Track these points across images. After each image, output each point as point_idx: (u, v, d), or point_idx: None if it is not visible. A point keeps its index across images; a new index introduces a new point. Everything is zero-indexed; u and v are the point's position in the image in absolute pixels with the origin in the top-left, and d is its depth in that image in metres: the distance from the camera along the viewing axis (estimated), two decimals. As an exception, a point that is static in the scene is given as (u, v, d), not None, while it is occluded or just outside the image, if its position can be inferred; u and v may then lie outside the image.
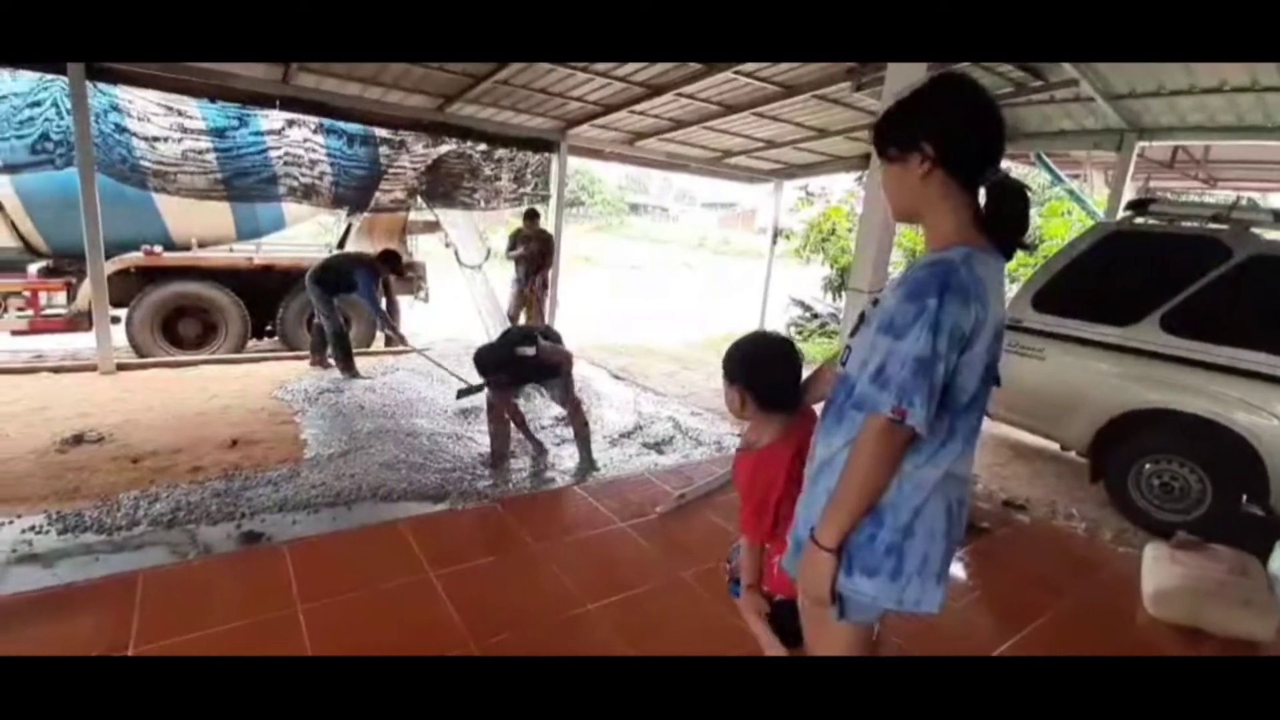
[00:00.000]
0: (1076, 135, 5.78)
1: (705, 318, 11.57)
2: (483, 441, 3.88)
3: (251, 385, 5.06)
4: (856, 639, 1.24)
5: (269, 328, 6.64)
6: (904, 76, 3.03)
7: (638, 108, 5.76)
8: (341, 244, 7.48)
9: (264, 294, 6.39)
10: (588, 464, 3.78)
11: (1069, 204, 7.67)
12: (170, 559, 2.55)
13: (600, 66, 4.87)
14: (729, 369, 1.50)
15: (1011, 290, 4.16)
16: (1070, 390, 3.76)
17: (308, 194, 6.62)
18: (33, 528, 2.68)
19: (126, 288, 5.75)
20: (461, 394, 4.78)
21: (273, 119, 6.04)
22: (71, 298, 5.77)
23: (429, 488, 3.35)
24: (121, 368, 5.25)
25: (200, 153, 5.84)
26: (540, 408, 4.64)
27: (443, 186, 7.47)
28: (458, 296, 8.40)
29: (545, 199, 7.61)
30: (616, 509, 3.22)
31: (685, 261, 24.46)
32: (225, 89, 5.22)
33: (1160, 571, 2.70)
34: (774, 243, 9.17)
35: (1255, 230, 3.45)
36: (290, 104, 5.57)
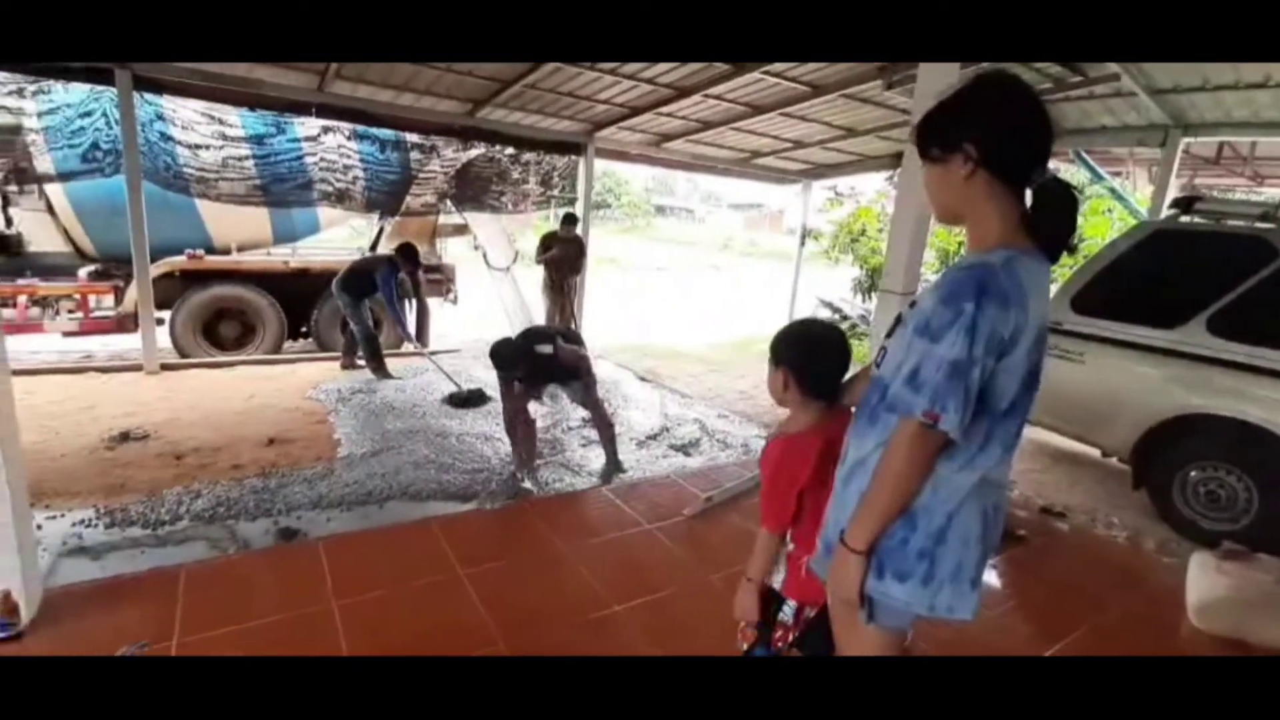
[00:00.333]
0: (1118, 132, 5.61)
1: (731, 320, 11.51)
2: (507, 442, 3.91)
3: (287, 385, 5.19)
4: (887, 644, 1.22)
5: (304, 329, 6.80)
6: (936, 75, 2.98)
7: (665, 109, 5.76)
8: (374, 247, 7.63)
9: (299, 296, 6.55)
10: (614, 466, 3.79)
11: (1110, 202, 7.45)
12: (211, 554, 2.63)
13: (628, 69, 4.88)
14: (777, 351, 1.47)
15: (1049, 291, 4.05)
16: (1111, 394, 3.65)
17: (341, 198, 6.78)
18: (82, 522, 2.79)
19: (170, 290, 5.95)
20: (453, 400, 4.92)
21: (309, 126, 6.20)
22: (119, 300, 5.99)
23: (458, 487, 3.40)
24: (165, 368, 5.43)
25: (240, 159, 6.03)
26: (568, 408, 4.66)
27: (471, 190, 7.58)
28: (486, 298, 8.51)
29: (572, 202, 7.65)
30: (643, 511, 3.23)
31: (712, 263, 24.36)
32: (264, 97, 5.37)
33: (1205, 582, 2.60)
34: (802, 244, 9.08)
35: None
36: (326, 111, 5.70)
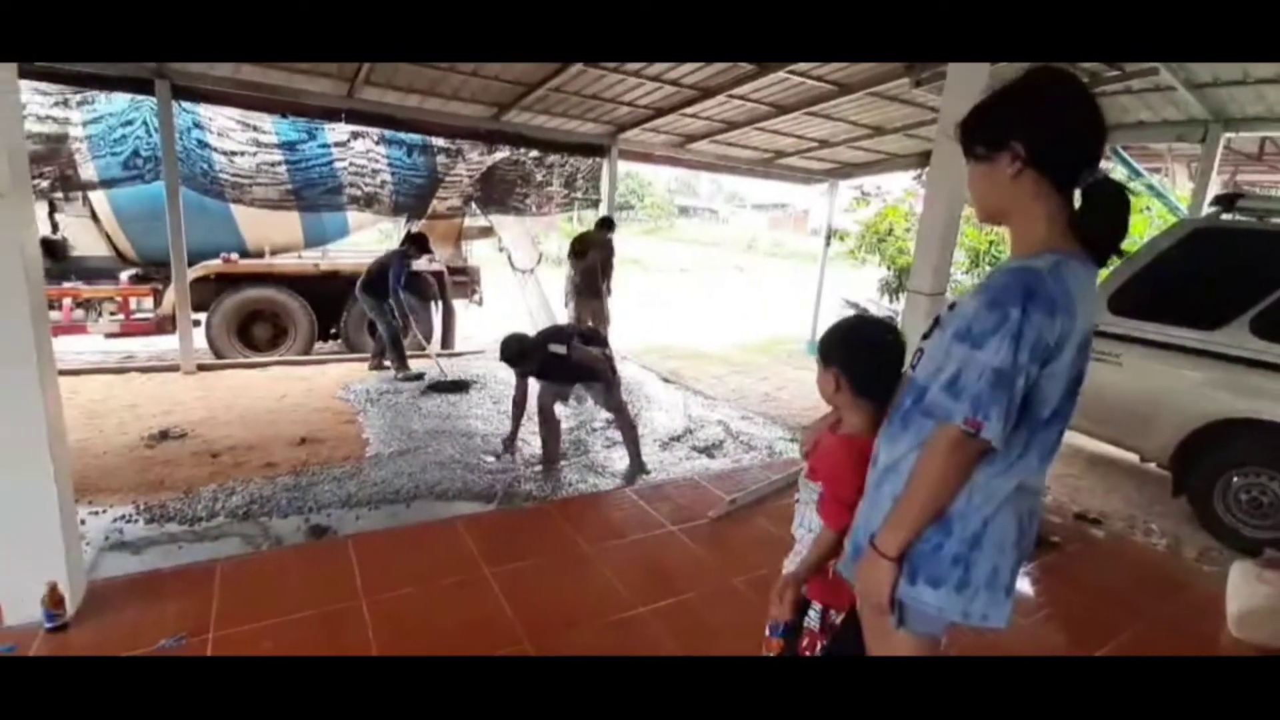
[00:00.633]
0: (1157, 127, 5.45)
1: (755, 321, 11.45)
2: (535, 443, 3.95)
3: (317, 386, 5.30)
4: (921, 651, 1.20)
5: (333, 330, 6.94)
6: (966, 73, 2.94)
7: (689, 110, 5.76)
8: (399, 251, 7.74)
9: (329, 298, 6.69)
10: (637, 467, 3.79)
11: (1149, 200, 7.24)
12: (245, 549, 2.70)
13: (652, 71, 4.89)
14: (826, 350, 1.41)
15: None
16: (1150, 398, 3.55)
17: (370, 202, 6.92)
18: (123, 517, 2.89)
19: (206, 293, 6.12)
20: (435, 387, 5.23)
21: (339, 132, 6.33)
22: (158, 303, 6.19)
23: (483, 487, 3.43)
24: (201, 368, 5.59)
25: (273, 165, 6.19)
26: (592, 409, 4.68)
27: (496, 193, 7.67)
28: (511, 300, 8.58)
29: (595, 203, 7.68)
30: (667, 513, 3.22)
31: (735, 264, 24.24)
32: (296, 104, 5.49)
33: (1246, 591, 2.51)
34: (827, 244, 8.98)
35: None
36: (355, 117, 5.81)
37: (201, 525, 2.87)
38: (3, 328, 1.88)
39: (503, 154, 7.33)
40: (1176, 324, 3.49)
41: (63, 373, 2.15)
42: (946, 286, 3.02)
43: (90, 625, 2.11)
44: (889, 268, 9.13)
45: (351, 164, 6.60)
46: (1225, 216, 3.59)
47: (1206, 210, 4.03)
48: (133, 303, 6.16)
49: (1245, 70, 4.26)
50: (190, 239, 5.38)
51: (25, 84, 4.58)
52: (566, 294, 7.49)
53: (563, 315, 7.76)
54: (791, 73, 4.76)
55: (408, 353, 5.88)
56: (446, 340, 7.34)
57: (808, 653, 1.47)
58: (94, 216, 6.28)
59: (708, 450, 4.26)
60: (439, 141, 6.83)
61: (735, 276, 21.02)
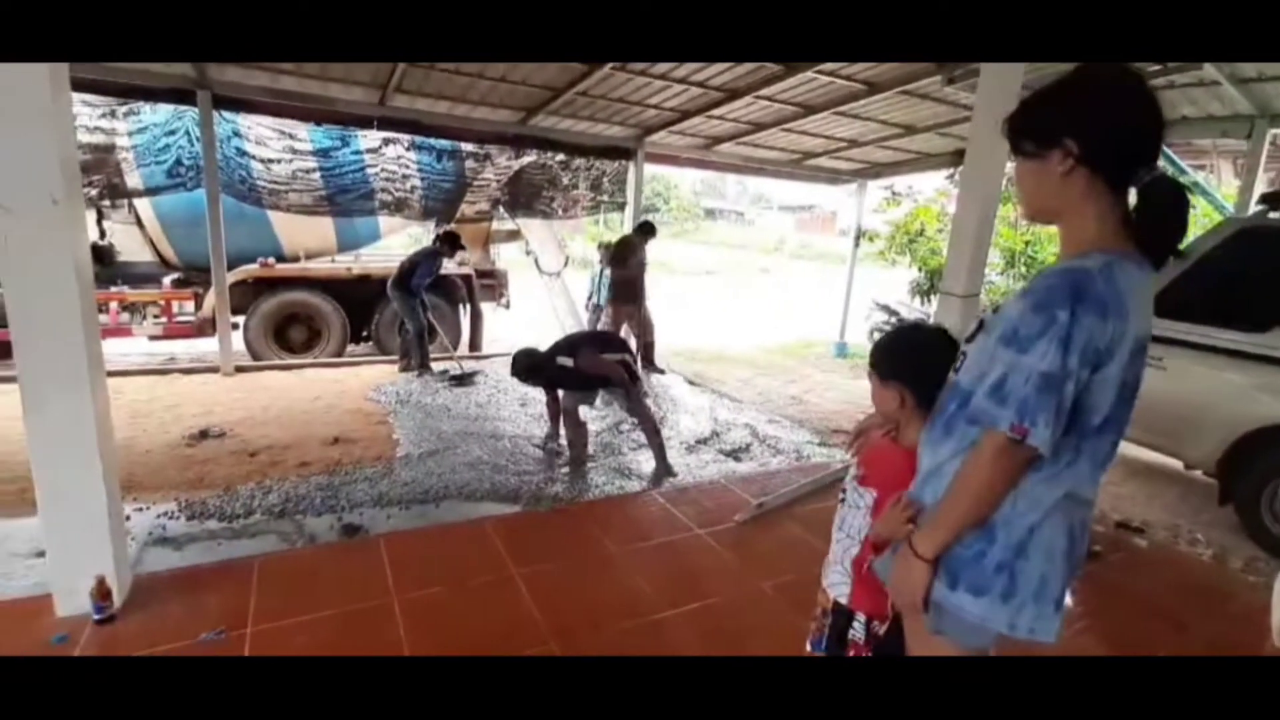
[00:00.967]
0: (1201, 122, 5.27)
1: (782, 323, 11.36)
2: (562, 445, 3.97)
3: (350, 387, 5.41)
4: None
5: (365, 333, 7.09)
6: (1000, 71, 2.88)
7: (715, 112, 5.74)
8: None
9: (361, 302, 6.83)
10: (663, 469, 3.79)
11: (1193, 198, 7.00)
12: (281, 546, 2.76)
13: (678, 73, 4.89)
14: (886, 366, 1.36)
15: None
16: (1195, 403, 3.42)
17: (400, 207, 7.06)
18: (165, 514, 2.98)
19: (244, 297, 6.30)
20: (453, 380, 5.54)
21: (370, 138, 6.48)
22: (199, 306, 6.39)
23: (511, 489, 3.46)
24: (240, 370, 5.75)
25: (308, 172, 6.36)
26: (619, 412, 4.69)
27: (523, 196, 7.76)
28: (538, 303, 8.66)
29: (621, 206, 7.71)
30: (694, 516, 3.21)
31: (762, 266, 24.10)
32: (330, 112, 5.62)
33: (1293, 604, 2.41)
34: (856, 245, 8.87)
35: None
36: (386, 124, 5.92)
37: (240, 522, 2.95)
38: (55, 330, 1.96)
39: (530, 158, 7.42)
40: (1222, 326, 3.37)
41: (109, 374, 2.23)
42: (981, 288, 2.95)
43: (136, 617, 2.18)
44: (920, 269, 8.98)
45: (383, 170, 6.74)
46: (1272, 215, 3.46)
47: (1253, 208, 3.88)
48: (175, 306, 6.37)
49: (1293, 64, 4.10)
50: (229, 244, 5.55)
51: (74, 96, 4.78)
52: (593, 296, 7.52)
53: (585, 318, 7.81)
54: (819, 72, 4.71)
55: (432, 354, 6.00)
56: (474, 343, 7.44)
57: None
58: (139, 223, 6.52)
59: (734, 453, 4.24)
60: (467, 146, 6.93)
61: (762, 278, 20.89)
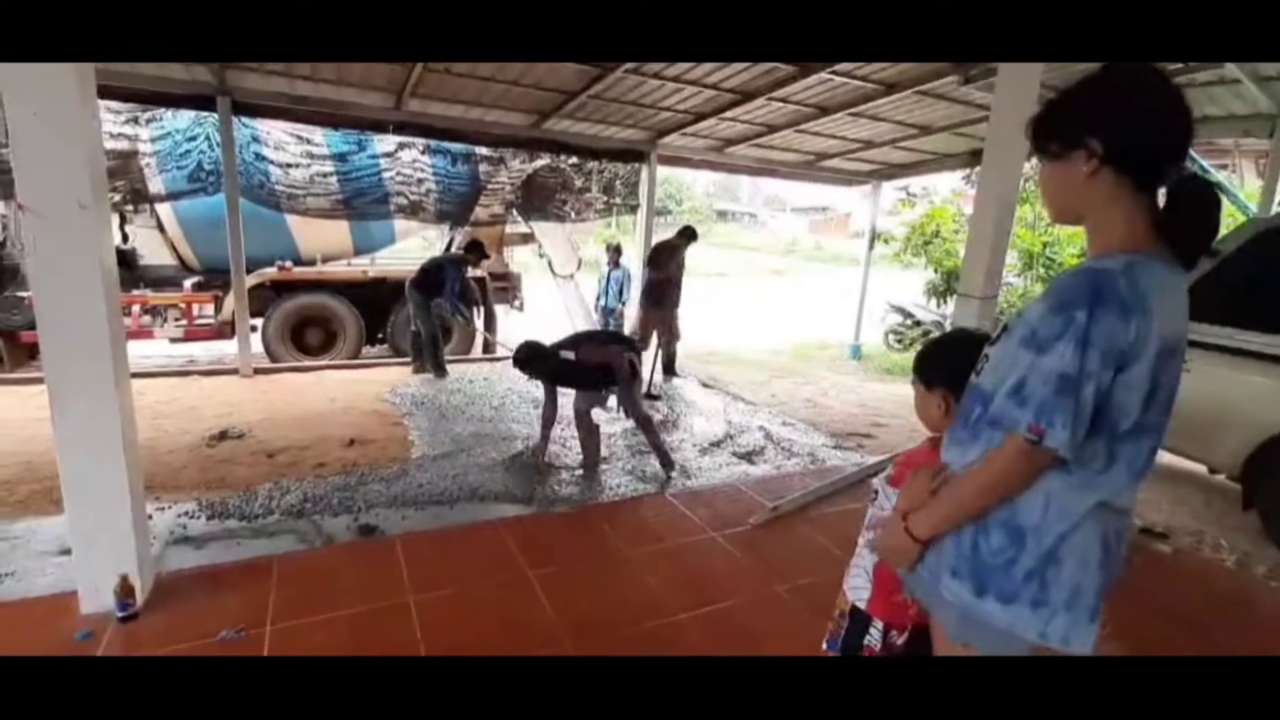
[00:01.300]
0: (1222, 121, 5.19)
1: (796, 326, 11.31)
2: (575, 447, 3.98)
3: (366, 389, 5.46)
4: None
5: (380, 335, 7.16)
6: (1018, 70, 2.86)
7: (728, 114, 5.74)
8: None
9: (376, 305, 6.90)
10: (665, 462, 3.80)
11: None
12: (299, 546, 2.79)
13: (691, 75, 4.90)
14: (930, 374, 1.34)
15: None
16: (1219, 406, 3.36)
17: (415, 210, 7.13)
18: (186, 513, 3.02)
19: (263, 300, 6.40)
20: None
21: (386, 143, 6.55)
22: (218, 309, 6.49)
23: (524, 491, 3.47)
24: (258, 372, 5.83)
25: (325, 176, 6.44)
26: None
27: (537, 200, 7.80)
28: (551, 304, 8.69)
29: (634, 208, 7.72)
30: (708, 518, 3.21)
31: (775, 268, 24.02)
32: (347, 117, 5.69)
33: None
34: (871, 247, 8.82)
35: None
36: (402, 128, 5.99)
37: (259, 522, 2.99)
38: (82, 332, 2.00)
39: (543, 161, 7.46)
40: (1246, 328, 3.30)
41: (132, 375, 2.27)
42: (999, 290, 2.92)
43: (158, 615, 2.22)
44: (936, 270, 8.92)
45: (399, 174, 6.81)
46: (1300, 214, 3.40)
47: (1276, 209, 3.81)
48: (195, 309, 6.49)
49: (1318, 61, 4.03)
50: (248, 248, 5.63)
51: (99, 103, 4.89)
52: (601, 298, 7.53)
53: (597, 320, 7.83)
54: (834, 73, 4.69)
55: (458, 357, 6.04)
56: (488, 345, 7.48)
57: None
58: (160, 227, 6.63)
59: (748, 456, 4.22)
60: (482, 150, 6.98)
61: (775, 281, 20.82)
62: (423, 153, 6.82)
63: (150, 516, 2.81)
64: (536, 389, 5.50)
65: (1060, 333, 0.96)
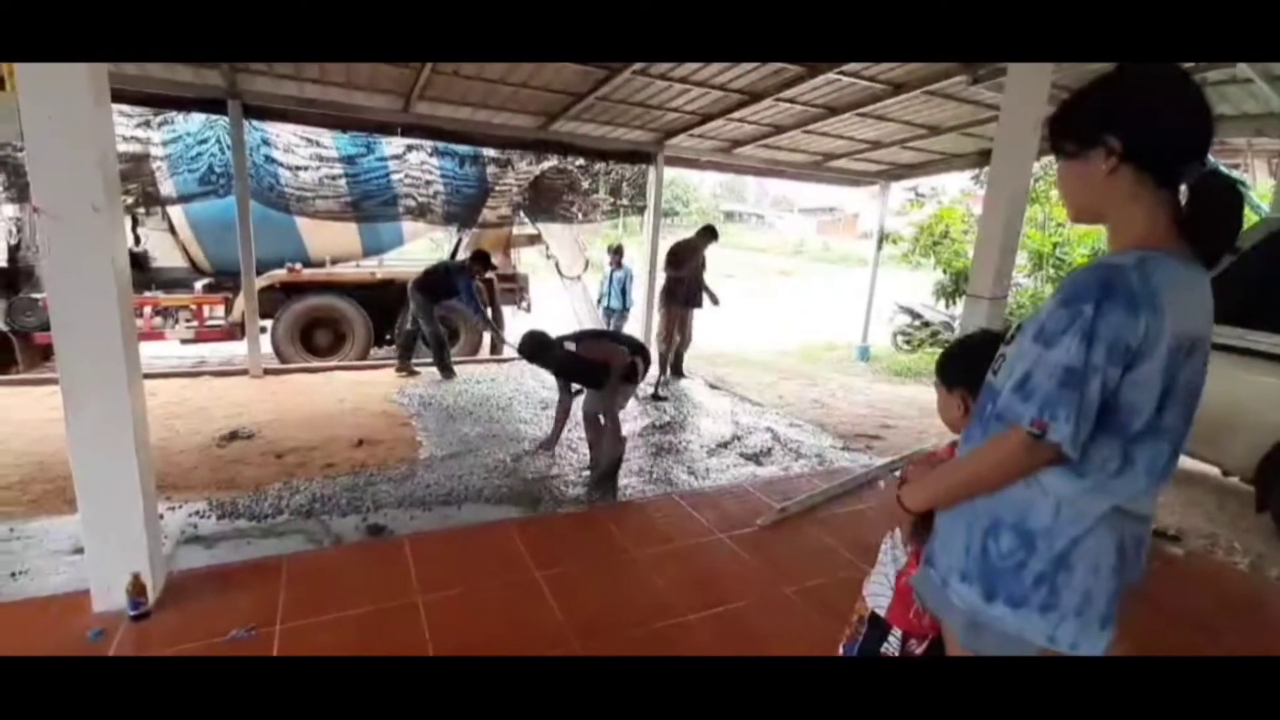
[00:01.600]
0: (1234, 120, 5.13)
1: (803, 327, 11.28)
2: (583, 449, 3.98)
3: (374, 390, 5.49)
4: None
5: (388, 336, 7.19)
6: (1028, 70, 2.84)
7: (735, 115, 5.73)
8: (452, 258, 7.97)
9: (384, 306, 6.93)
10: (604, 489, 3.50)
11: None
12: (308, 546, 2.80)
13: (698, 76, 4.89)
14: (950, 375, 1.33)
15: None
16: (1231, 407, 3.33)
17: (423, 213, 7.16)
18: (197, 513, 3.05)
19: (272, 301, 6.44)
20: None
21: (395, 145, 6.58)
22: (229, 310, 6.54)
23: (532, 491, 3.48)
24: (268, 372, 5.86)
25: (334, 178, 6.48)
26: (635, 412, 4.70)
27: (544, 201, 7.81)
28: (559, 306, 8.70)
29: (641, 210, 7.72)
30: (715, 520, 3.20)
31: (782, 269, 23.97)
32: (356, 119, 5.72)
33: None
34: (879, 247, 8.78)
35: None
36: (410, 130, 6.02)
37: (268, 522, 3.00)
38: (95, 334, 2.02)
39: (550, 163, 7.48)
40: (1259, 328, 3.27)
41: (144, 376, 2.29)
42: (1008, 290, 2.91)
43: (169, 614, 2.24)
44: (945, 271, 8.87)
45: (407, 176, 6.84)
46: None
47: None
48: (206, 310, 6.54)
49: (1333, 58, 3.98)
50: (258, 250, 5.67)
51: (112, 107, 4.94)
52: (603, 299, 7.52)
53: (602, 321, 7.83)
54: (842, 74, 4.68)
55: (467, 359, 6.06)
56: (495, 345, 7.51)
57: None
58: (171, 229, 6.70)
59: (755, 457, 4.22)
60: (489, 152, 7.01)
61: (782, 281, 20.76)
62: (430, 155, 6.86)
63: (161, 516, 2.83)
64: (544, 390, 5.53)
65: (1067, 326, 0.95)
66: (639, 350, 3.68)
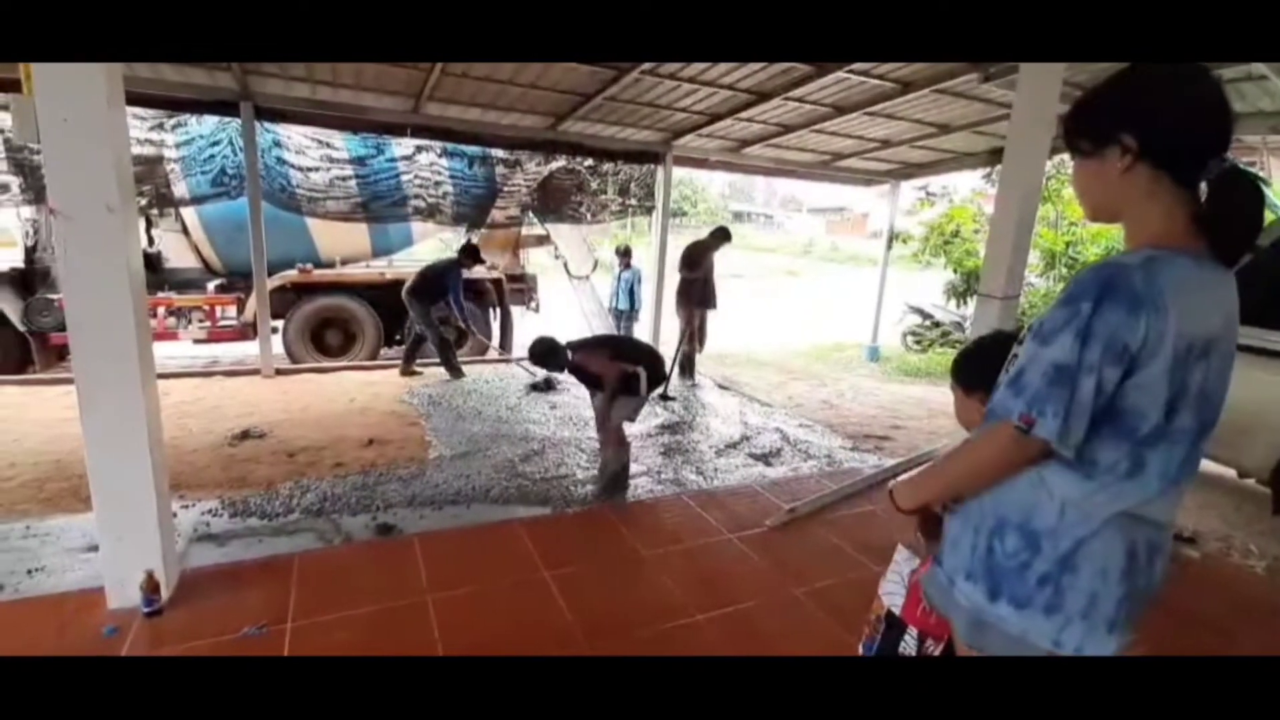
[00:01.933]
0: (1249, 118, 5.06)
1: (811, 327, 11.24)
2: (591, 448, 3.99)
3: (383, 390, 5.52)
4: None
5: (398, 336, 7.22)
6: (1040, 68, 2.82)
7: (744, 115, 5.72)
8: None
9: (394, 306, 6.95)
10: (609, 496, 3.47)
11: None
12: (318, 544, 2.82)
13: (707, 75, 4.89)
14: (968, 377, 1.31)
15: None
16: (1248, 408, 3.27)
17: (432, 213, 7.19)
18: (210, 511, 3.07)
19: (284, 302, 6.49)
20: (534, 388, 5.59)
21: (404, 146, 6.61)
22: (241, 311, 6.59)
23: (541, 491, 3.48)
24: (279, 372, 5.91)
25: (344, 179, 6.52)
26: (644, 412, 4.69)
27: (552, 202, 7.82)
28: (567, 306, 8.71)
29: (650, 210, 7.72)
30: (724, 520, 3.20)
31: (790, 269, 23.89)
32: (366, 121, 5.76)
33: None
34: (889, 247, 8.73)
35: None
36: (420, 131, 6.05)
37: (279, 520, 3.03)
38: (110, 334, 2.05)
39: (559, 163, 7.49)
40: (1275, 329, 3.22)
41: (157, 376, 2.32)
42: (1020, 290, 2.88)
43: (182, 611, 2.26)
44: (955, 271, 8.81)
45: (416, 176, 6.87)
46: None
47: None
48: (218, 311, 6.59)
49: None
50: (270, 251, 5.72)
51: (127, 109, 5.00)
52: (614, 300, 7.53)
53: (611, 322, 7.83)
54: (851, 72, 4.66)
55: (474, 359, 6.08)
56: (504, 346, 7.53)
57: None
58: (184, 230, 6.76)
59: (765, 458, 4.20)
60: (498, 153, 7.03)
61: (790, 281, 20.70)
62: (440, 156, 6.89)
63: (175, 514, 2.86)
64: (553, 392, 5.55)
65: (1064, 324, 0.94)
66: (647, 360, 3.54)
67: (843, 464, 4.16)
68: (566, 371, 3.70)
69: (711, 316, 6.35)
